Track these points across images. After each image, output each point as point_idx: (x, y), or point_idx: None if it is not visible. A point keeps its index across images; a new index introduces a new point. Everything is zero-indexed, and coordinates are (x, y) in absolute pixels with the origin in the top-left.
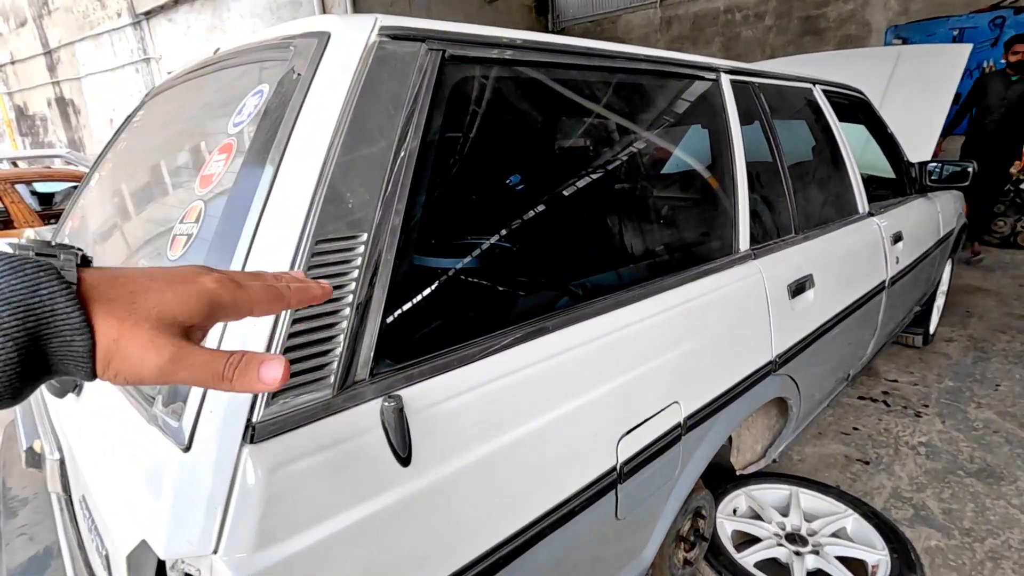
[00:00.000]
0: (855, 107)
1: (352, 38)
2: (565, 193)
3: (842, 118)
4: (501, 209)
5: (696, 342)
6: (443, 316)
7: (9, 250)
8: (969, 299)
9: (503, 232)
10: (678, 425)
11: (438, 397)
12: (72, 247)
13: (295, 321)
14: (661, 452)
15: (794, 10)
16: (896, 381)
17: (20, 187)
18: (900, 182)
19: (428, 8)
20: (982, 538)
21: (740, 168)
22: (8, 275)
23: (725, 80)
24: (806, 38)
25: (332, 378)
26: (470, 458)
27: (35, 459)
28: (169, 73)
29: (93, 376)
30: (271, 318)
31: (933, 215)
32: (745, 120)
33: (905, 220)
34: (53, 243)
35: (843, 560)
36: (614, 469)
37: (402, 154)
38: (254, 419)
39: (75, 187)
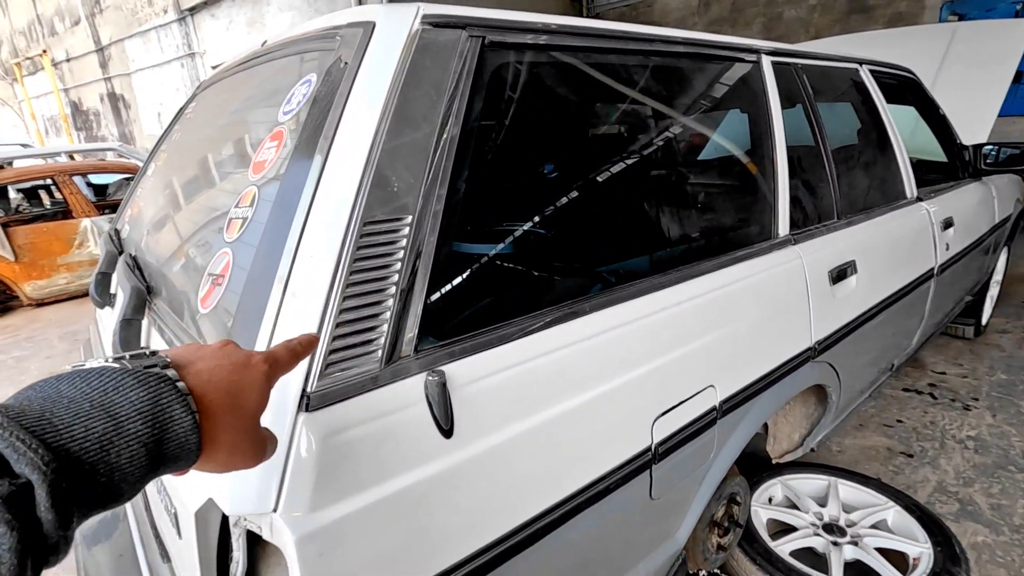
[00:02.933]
0: (904, 87)
1: (396, 27)
2: (601, 178)
3: (891, 99)
4: (539, 194)
5: (732, 327)
6: (483, 297)
7: (116, 365)
8: None
9: (541, 217)
10: (713, 409)
11: (478, 374)
12: (157, 353)
13: (345, 298)
14: (696, 435)
15: None
16: (944, 373)
17: (76, 179)
18: (953, 165)
19: None
20: None
21: (781, 152)
22: (137, 388)
23: (766, 62)
24: (853, 17)
25: (379, 353)
26: (509, 433)
27: None
28: (214, 67)
29: (194, 463)
30: (323, 297)
31: (988, 200)
32: (787, 103)
33: (956, 205)
34: (147, 352)
35: (883, 552)
36: (649, 449)
37: (444, 140)
38: (308, 389)
39: (127, 178)
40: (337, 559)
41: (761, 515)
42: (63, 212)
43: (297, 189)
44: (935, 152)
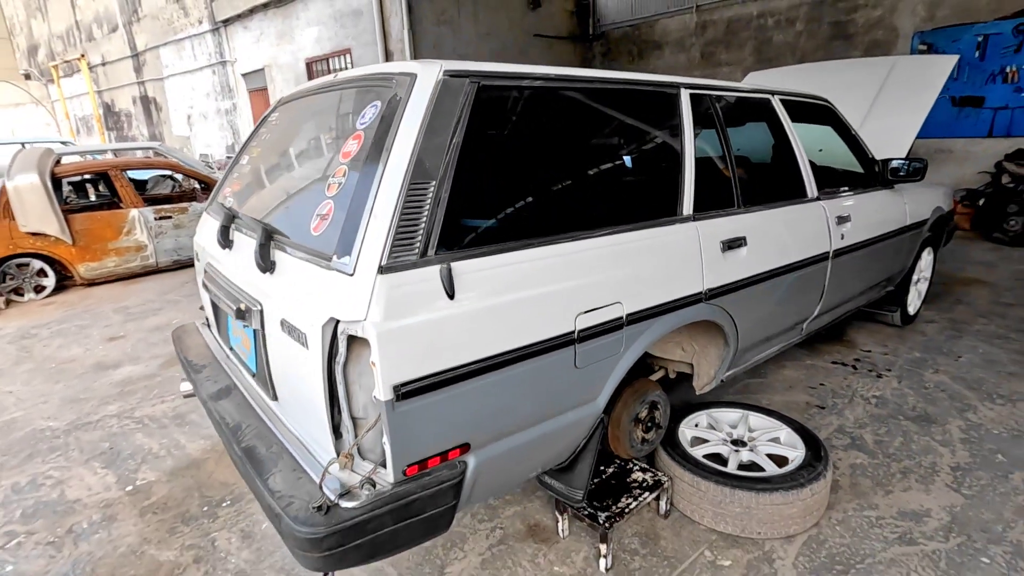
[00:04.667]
0: (821, 113)
1: (429, 76)
2: (561, 166)
3: (813, 121)
4: (514, 174)
5: (640, 268)
6: (475, 229)
7: None
8: (964, 289)
9: (516, 188)
10: (620, 317)
11: (471, 269)
12: None
13: (400, 222)
14: (606, 332)
15: (824, 15)
16: (870, 351)
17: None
18: (868, 175)
19: (475, 15)
20: (900, 460)
21: (689, 157)
22: None
23: (684, 93)
24: (835, 43)
25: (416, 251)
26: (487, 303)
27: (244, 315)
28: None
29: None
30: (389, 220)
31: (896, 204)
32: (699, 122)
33: (855, 205)
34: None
35: (772, 457)
36: (573, 332)
37: (453, 141)
38: (382, 263)
39: (163, 175)
40: (393, 347)
41: (687, 433)
42: (110, 203)
43: (372, 167)
44: (857, 164)
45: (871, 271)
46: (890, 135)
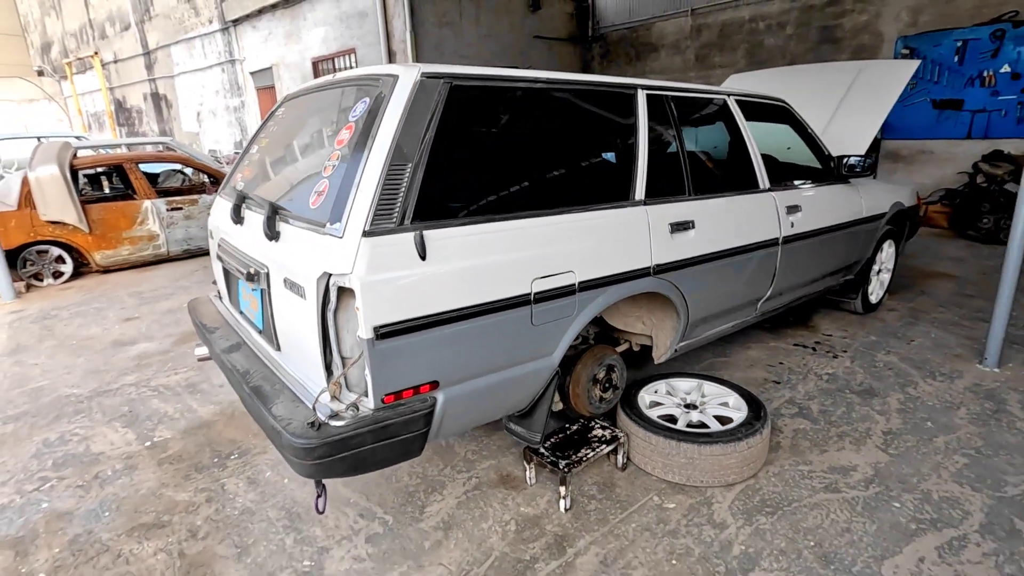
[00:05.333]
0: (778, 112)
1: (409, 78)
2: (524, 152)
3: (771, 120)
4: (481, 157)
5: (591, 244)
6: (445, 204)
7: None
8: (930, 282)
9: (484, 170)
10: (572, 284)
11: (441, 236)
12: None
13: (382, 195)
14: (560, 296)
15: (813, 20)
16: (830, 335)
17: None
18: (825, 171)
19: (476, 17)
20: (839, 426)
21: (642, 150)
22: None
23: (641, 94)
24: (824, 46)
25: (395, 219)
26: (454, 265)
27: (254, 278)
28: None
29: None
30: (372, 194)
31: (852, 199)
32: (654, 119)
33: (807, 197)
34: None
35: (720, 419)
36: (529, 294)
37: (428, 131)
38: (365, 228)
39: (174, 169)
40: (373, 295)
41: (646, 398)
42: (123, 196)
43: (360, 151)
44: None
45: (825, 258)
46: (852, 134)
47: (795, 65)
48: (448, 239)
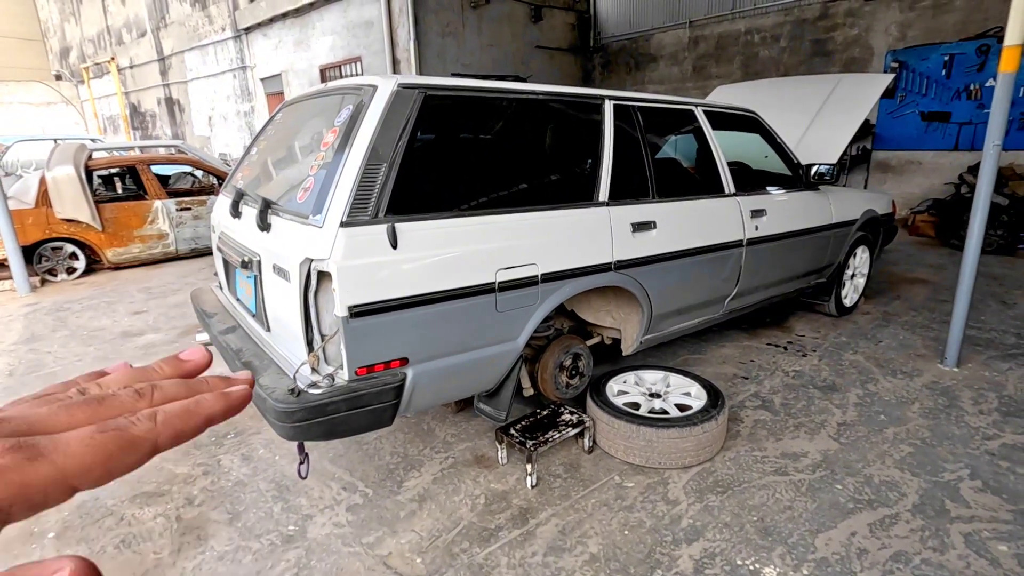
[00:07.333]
0: (748, 123)
1: (386, 88)
2: (491, 155)
3: (741, 130)
4: (451, 159)
5: (554, 239)
6: (415, 200)
7: None
8: (907, 287)
9: (454, 170)
10: (535, 275)
11: (411, 229)
12: None
13: (358, 191)
14: (524, 286)
15: (806, 33)
16: (803, 336)
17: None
18: (795, 178)
19: (479, 27)
20: (798, 418)
21: (607, 155)
22: None
23: (608, 104)
24: (816, 59)
25: (369, 212)
26: (424, 254)
27: (247, 265)
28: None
29: None
30: (350, 189)
31: (821, 205)
32: (620, 127)
33: (773, 203)
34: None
35: (679, 406)
36: (494, 283)
37: (403, 136)
38: (343, 219)
39: (185, 171)
40: (348, 278)
41: (614, 387)
42: (136, 196)
43: (343, 151)
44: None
45: (792, 261)
46: (827, 143)
47: (778, 78)
48: (418, 231)
